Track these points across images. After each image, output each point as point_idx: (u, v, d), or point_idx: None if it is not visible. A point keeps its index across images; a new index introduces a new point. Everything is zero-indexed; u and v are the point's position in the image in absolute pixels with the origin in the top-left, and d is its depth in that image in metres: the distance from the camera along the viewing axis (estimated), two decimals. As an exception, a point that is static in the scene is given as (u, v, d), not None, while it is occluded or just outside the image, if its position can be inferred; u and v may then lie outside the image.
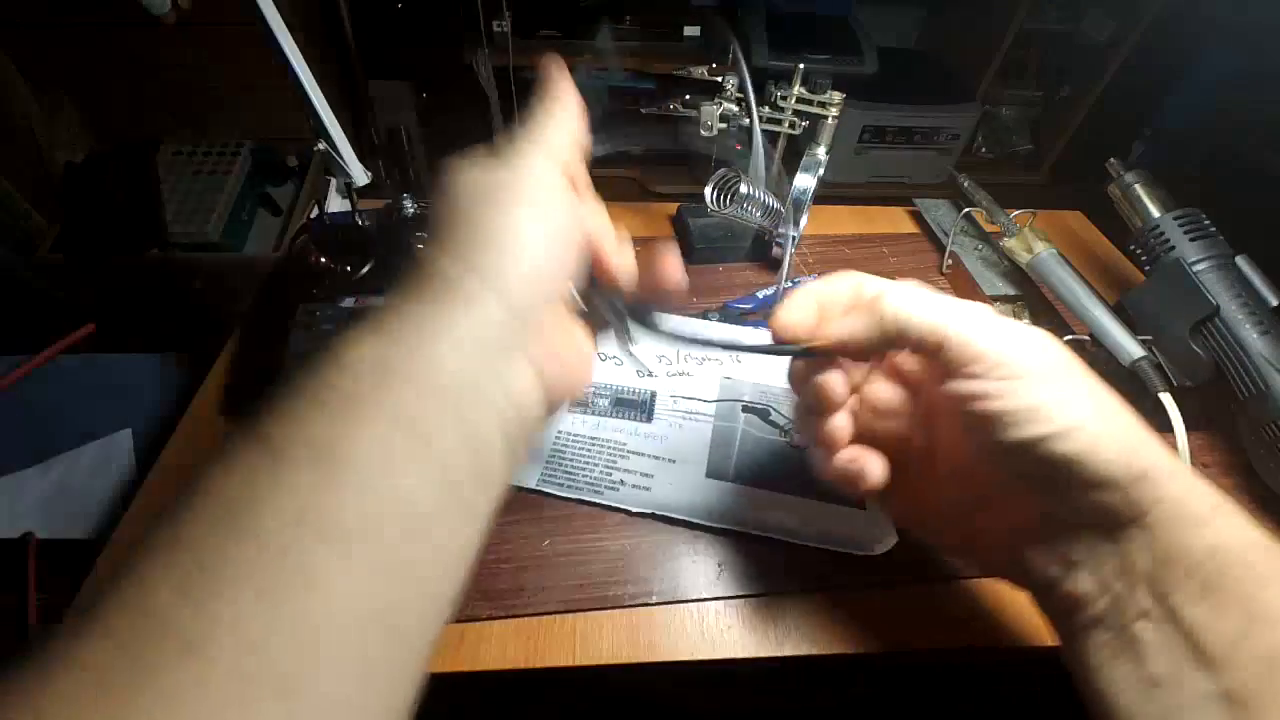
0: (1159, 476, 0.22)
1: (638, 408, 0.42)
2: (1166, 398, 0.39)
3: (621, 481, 0.38)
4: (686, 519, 0.37)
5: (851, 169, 1.58)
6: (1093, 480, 0.22)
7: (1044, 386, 0.22)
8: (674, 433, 0.41)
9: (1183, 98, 1.47)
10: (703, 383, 0.44)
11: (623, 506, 0.37)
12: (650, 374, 0.44)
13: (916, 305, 0.24)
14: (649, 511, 0.37)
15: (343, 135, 0.45)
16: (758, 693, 0.51)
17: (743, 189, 0.48)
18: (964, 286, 0.54)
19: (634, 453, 0.40)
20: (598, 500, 0.37)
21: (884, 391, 0.29)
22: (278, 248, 1.24)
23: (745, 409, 0.42)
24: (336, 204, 0.49)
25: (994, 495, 0.26)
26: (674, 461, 0.39)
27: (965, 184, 0.56)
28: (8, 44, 1.07)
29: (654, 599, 0.34)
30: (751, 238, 0.55)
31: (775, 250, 0.53)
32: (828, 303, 0.27)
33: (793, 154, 0.48)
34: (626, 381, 0.44)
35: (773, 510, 0.37)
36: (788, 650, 0.33)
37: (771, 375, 0.45)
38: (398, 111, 1.43)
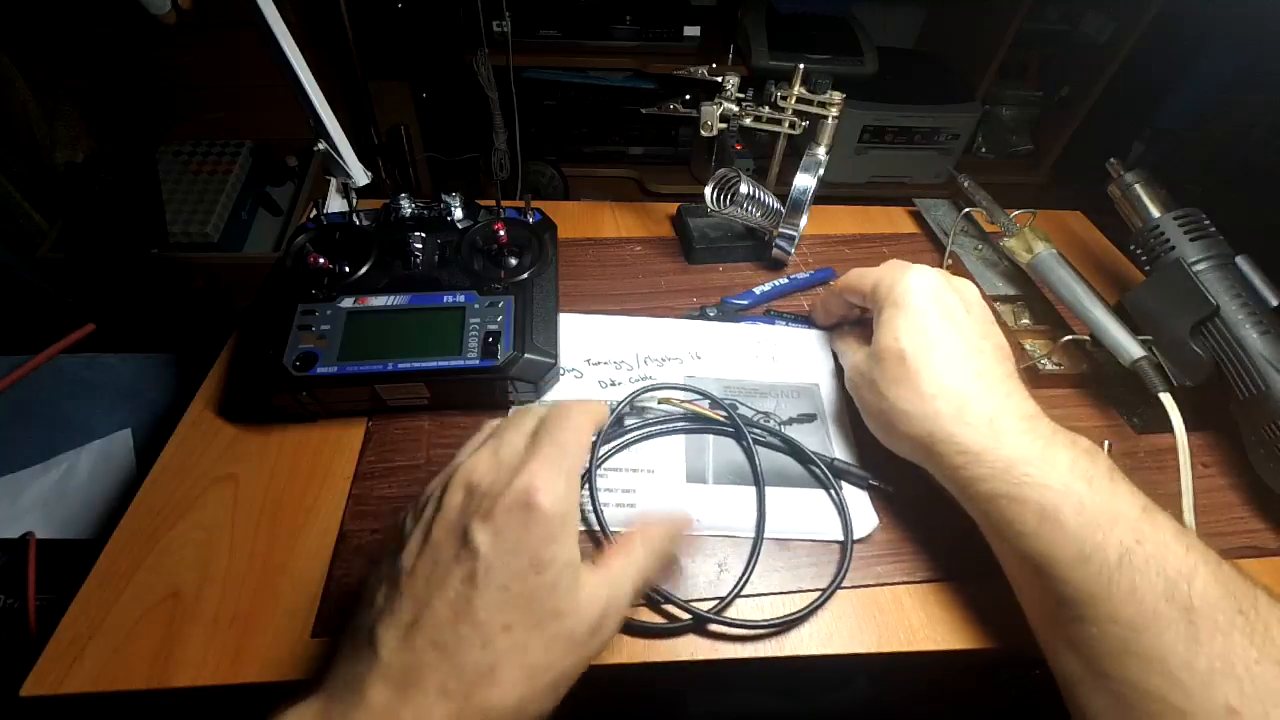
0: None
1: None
2: (1166, 398, 0.39)
3: (605, 504, 0.36)
4: None
5: (851, 169, 1.58)
6: None
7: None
8: (646, 441, 0.40)
9: (1183, 98, 1.47)
10: (668, 381, 0.44)
11: (612, 529, 0.35)
12: (613, 384, 0.44)
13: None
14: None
15: (343, 135, 0.45)
16: (758, 693, 0.51)
17: (743, 189, 0.48)
18: (964, 286, 0.54)
19: (611, 469, 0.39)
20: (588, 529, 0.36)
21: None
22: (278, 248, 1.24)
23: (713, 406, 0.41)
24: (336, 204, 0.49)
25: None
26: (653, 472, 0.39)
27: (965, 184, 0.56)
28: (8, 44, 1.07)
29: (654, 599, 0.34)
30: (751, 238, 0.55)
31: (775, 250, 0.53)
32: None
33: (793, 154, 0.48)
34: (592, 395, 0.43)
35: (750, 508, 0.37)
36: (787, 650, 0.33)
37: (733, 368, 0.45)
38: (398, 111, 1.43)
